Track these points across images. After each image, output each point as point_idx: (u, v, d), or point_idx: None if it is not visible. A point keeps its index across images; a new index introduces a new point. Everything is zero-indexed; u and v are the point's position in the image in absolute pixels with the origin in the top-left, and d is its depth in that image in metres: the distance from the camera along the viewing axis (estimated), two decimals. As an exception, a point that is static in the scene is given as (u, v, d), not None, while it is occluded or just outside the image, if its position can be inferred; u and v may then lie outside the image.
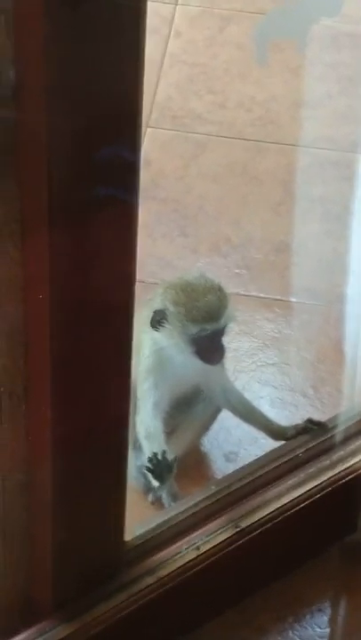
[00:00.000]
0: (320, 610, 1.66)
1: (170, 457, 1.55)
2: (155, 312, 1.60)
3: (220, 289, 1.62)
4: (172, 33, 2.38)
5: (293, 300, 1.99)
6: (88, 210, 1.16)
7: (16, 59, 1.05)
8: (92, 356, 1.27)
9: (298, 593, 1.64)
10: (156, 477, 1.55)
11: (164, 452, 1.55)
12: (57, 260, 1.17)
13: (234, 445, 1.79)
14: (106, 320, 1.25)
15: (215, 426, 1.78)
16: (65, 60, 1.05)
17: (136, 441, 1.63)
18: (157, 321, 1.60)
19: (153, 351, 1.64)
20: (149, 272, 1.93)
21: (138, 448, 1.64)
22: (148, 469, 1.55)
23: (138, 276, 1.79)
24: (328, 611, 1.66)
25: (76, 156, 1.11)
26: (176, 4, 2.43)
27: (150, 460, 1.55)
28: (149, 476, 1.56)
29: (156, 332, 1.61)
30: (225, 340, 1.64)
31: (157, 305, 1.61)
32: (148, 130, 2.22)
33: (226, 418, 1.77)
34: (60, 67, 1.05)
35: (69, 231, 1.16)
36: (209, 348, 1.60)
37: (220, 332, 1.60)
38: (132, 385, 1.64)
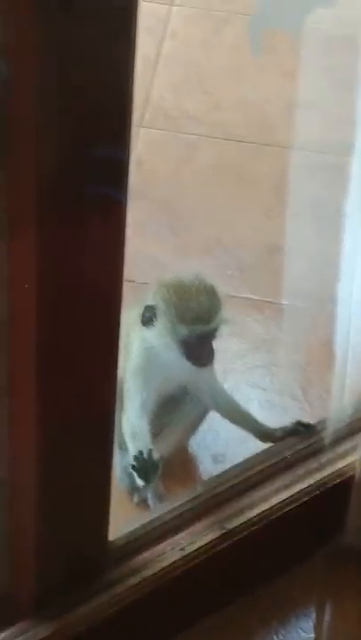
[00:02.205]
0: (306, 614, 1.64)
1: (156, 456, 1.54)
2: (145, 308, 1.59)
3: (213, 291, 1.60)
4: (167, 33, 2.37)
5: (284, 302, 1.98)
6: (77, 207, 1.15)
7: (8, 58, 1.04)
8: (78, 353, 1.26)
9: (284, 596, 1.63)
10: (142, 476, 1.53)
11: (149, 451, 1.53)
12: (44, 256, 1.16)
13: (222, 447, 1.78)
14: (93, 317, 1.24)
15: (203, 427, 1.77)
16: (56, 60, 1.04)
17: (122, 441, 1.62)
18: (148, 318, 1.59)
19: (142, 350, 1.63)
20: (140, 272, 1.91)
21: (124, 448, 1.62)
22: (134, 468, 1.54)
23: (128, 276, 1.78)
24: (314, 615, 1.65)
25: (66, 154, 1.11)
26: (172, 5, 2.42)
27: (136, 458, 1.53)
28: (134, 475, 1.54)
29: (146, 330, 1.60)
30: (215, 342, 1.63)
31: (149, 302, 1.59)
32: (142, 130, 2.21)
33: (214, 419, 1.76)
34: (50, 66, 1.05)
35: (57, 227, 1.15)
36: (198, 349, 1.59)
37: (209, 335, 1.59)
38: (120, 383, 1.64)
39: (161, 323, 1.57)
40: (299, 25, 1.46)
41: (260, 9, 1.37)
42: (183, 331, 1.57)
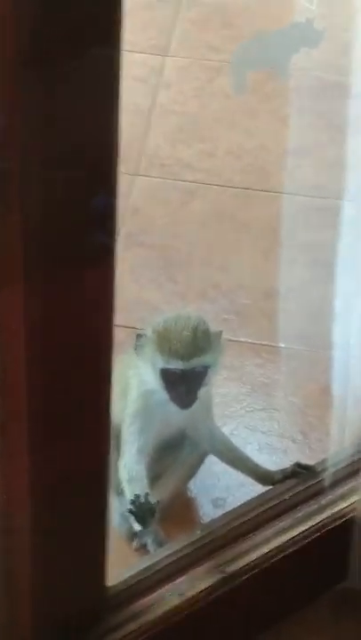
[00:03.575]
0: (310, 660, 1.62)
1: (152, 500, 1.53)
2: (137, 335, 1.58)
3: (204, 332, 1.57)
4: (161, 83, 2.41)
5: (282, 345, 1.98)
6: (65, 260, 1.15)
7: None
8: (70, 402, 1.25)
9: (286, 642, 1.61)
10: (139, 520, 1.52)
11: (146, 495, 1.52)
12: (32, 311, 1.16)
13: (222, 491, 1.76)
14: (84, 366, 1.24)
15: (203, 471, 1.76)
16: (40, 115, 1.05)
17: (119, 486, 1.61)
18: (137, 345, 1.58)
19: (140, 394, 1.63)
20: (137, 318, 1.92)
21: (121, 494, 1.61)
22: (131, 512, 1.52)
23: (126, 322, 1.79)
24: (318, 660, 1.63)
25: (52, 208, 1.11)
26: (165, 56, 2.46)
27: (132, 502, 1.52)
28: (132, 519, 1.53)
29: (137, 359, 1.57)
30: (205, 386, 1.58)
31: (144, 331, 1.58)
32: (138, 178, 2.23)
33: (214, 463, 1.75)
34: (35, 120, 1.06)
35: (45, 282, 1.15)
36: (177, 388, 1.55)
37: (188, 375, 1.55)
38: (117, 429, 1.63)
39: (146, 350, 1.56)
40: (284, 65, 1.47)
41: (241, 47, 1.39)
42: (160, 362, 1.54)
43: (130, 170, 2.22)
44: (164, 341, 1.54)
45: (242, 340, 1.98)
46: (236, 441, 1.76)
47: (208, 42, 2.46)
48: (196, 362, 1.54)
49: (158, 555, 1.51)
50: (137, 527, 1.54)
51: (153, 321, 1.60)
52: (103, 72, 1.07)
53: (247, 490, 1.69)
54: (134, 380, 1.63)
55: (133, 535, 1.63)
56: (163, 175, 2.24)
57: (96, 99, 1.08)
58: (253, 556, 1.52)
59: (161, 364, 1.54)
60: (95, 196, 1.14)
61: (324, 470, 1.63)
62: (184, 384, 1.55)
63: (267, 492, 1.62)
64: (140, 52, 2.43)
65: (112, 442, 1.40)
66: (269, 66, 1.46)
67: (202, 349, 1.55)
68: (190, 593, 1.47)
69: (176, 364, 1.54)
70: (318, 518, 1.58)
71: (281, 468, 1.66)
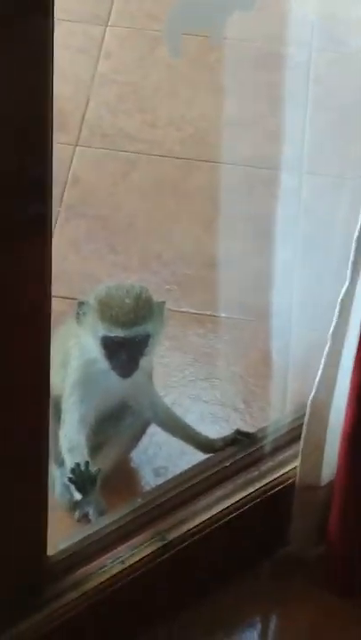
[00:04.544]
0: (251, 625, 1.64)
1: (93, 469, 1.53)
2: (78, 304, 1.58)
3: (146, 301, 1.58)
4: (102, 53, 2.39)
5: (223, 315, 1.99)
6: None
7: None
8: (6, 369, 1.25)
9: (228, 608, 1.62)
10: (79, 489, 1.52)
11: (87, 464, 1.52)
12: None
13: (163, 460, 1.77)
14: (22, 336, 1.23)
15: (145, 441, 1.76)
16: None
17: (60, 456, 1.61)
18: (78, 314, 1.57)
19: (80, 365, 1.62)
20: (79, 289, 1.91)
21: (62, 464, 1.61)
22: (71, 481, 1.52)
23: (68, 293, 1.79)
24: (259, 626, 1.65)
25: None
26: (106, 26, 2.44)
27: (73, 470, 1.52)
28: (72, 488, 1.53)
29: (79, 329, 1.57)
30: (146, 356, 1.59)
31: (86, 299, 1.58)
32: (78, 148, 2.21)
33: (156, 433, 1.76)
34: None
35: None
36: (118, 356, 1.56)
37: (129, 342, 1.55)
38: (58, 399, 1.63)
39: (87, 319, 1.56)
40: (219, 27, 1.47)
41: (175, 8, 1.37)
42: (101, 330, 1.55)
43: (71, 140, 2.20)
44: (106, 309, 1.54)
45: (184, 310, 1.98)
46: (178, 410, 1.76)
47: (148, 11, 2.44)
48: (136, 330, 1.55)
49: (99, 523, 1.52)
50: (78, 496, 1.54)
51: (95, 289, 1.60)
52: (34, 40, 1.06)
53: (189, 458, 1.70)
54: (75, 350, 1.63)
55: (75, 505, 1.63)
56: (104, 145, 2.23)
57: (27, 67, 1.07)
58: (194, 522, 1.53)
59: (102, 331, 1.54)
60: (28, 166, 1.12)
61: (264, 437, 1.64)
62: (125, 352, 1.55)
63: (207, 459, 1.63)
64: (80, 22, 2.40)
65: (52, 412, 1.40)
66: (203, 27, 1.45)
67: (143, 317, 1.56)
68: (131, 561, 1.48)
69: (117, 332, 1.54)
70: (258, 485, 1.59)
71: (222, 436, 1.67)
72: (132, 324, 1.55)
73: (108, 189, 2.16)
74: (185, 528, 1.53)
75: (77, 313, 1.58)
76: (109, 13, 2.45)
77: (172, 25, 1.42)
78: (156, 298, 1.65)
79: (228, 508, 1.56)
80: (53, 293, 1.27)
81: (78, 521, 1.63)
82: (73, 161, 2.19)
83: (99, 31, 2.42)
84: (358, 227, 1.41)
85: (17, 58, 1.06)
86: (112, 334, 1.54)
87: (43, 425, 1.32)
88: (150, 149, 2.22)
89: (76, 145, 2.21)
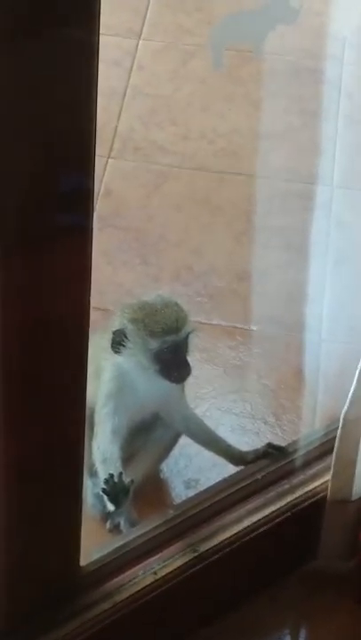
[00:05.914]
0: (280, 638, 1.64)
1: (126, 480, 1.54)
2: (114, 333, 1.59)
3: (176, 304, 1.62)
4: (134, 66, 2.40)
5: (254, 328, 2.00)
6: (41, 238, 1.16)
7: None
8: (45, 381, 1.26)
9: (257, 620, 1.62)
10: (112, 500, 1.53)
11: (120, 475, 1.53)
12: (9, 288, 1.16)
13: (194, 472, 1.78)
14: (59, 345, 1.25)
15: (175, 453, 1.77)
16: (19, 91, 1.06)
17: (93, 467, 1.62)
18: (117, 342, 1.59)
19: (113, 376, 1.63)
20: (110, 300, 1.93)
21: (95, 474, 1.62)
22: (104, 491, 1.53)
23: (99, 304, 1.80)
24: (287, 639, 1.65)
25: (30, 185, 1.12)
26: (139, 39, 2.45)
27: (106, 481, 1.53)
28: (105, 499, 1.54)
29: (118, 356, 1.60)
30: (189, 357, 1.62)
31: (116, 326, 1.60)
32: (110, 161, 2.23)
33: (186, 445, 1.76)
34: (14, 97, 1.06)
35: (22, 259, 1.16)
36: (172, 363, 1.59)
37: (181, 345, 1.59)
38: (90, 410, 1.64)
39: (132, 342, 1.58)
40: (260, 41, 1.49)
41: (221, 22, 1.39)
42: (154, 344, 1.57)
43: (103, 152, 2.22)
44: (153, 324, 1.57)
45: (215, 322, 1.99)
46: (209, 422, 1.77)
47: (181, 25, 2.46)
48: (186, 330, 1.59)
49: (131, 534, 1.53)
50: (110, 507, 1.55)
51: (122, 314, 1.61)
52: (81, 55, 1.07)
53: (220, 470, 1.71)
54: (107, 363, 1.64)
55: (107, 515, 1.64)
56: (136, 158, 2.24)
57: (74, 82, 1.08)
58: (225, 535, 1.54)
59: (155, 346, 1.57)
60: (72, 177, 1.14)
61: (295, 451, 1.65)
62: (180, 356, 1.59)
63: (239, 472, 1.63)
64: (114, 35, 2.42)
65: (85, 422, 1.41)
66: (247, 41, 1.47)
67: (184, 318, 1.61)
68: (163, 572, 1.48)
69: (172, 339, 1.57)
70: (289, 498, 1.60)
71: (253, 448, 1.67)
72: (181, 326, 1.59)
73: (141, 201, 2.17)
74: (216, 540, 1.53)
75: (114, 343, 1.59)
76: (142, 27, 2.47)
77: (216, 38, 1.44)
78: (188, 310, 1.67)
79: (259, 520, 1.57)
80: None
81: (110, 531, 1.64)
82: (105, 173, 2.20)
83: (132, 44, 2.43)
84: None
85: (63, 71, 1.07)
86: (168, 343, 1.57)
87: (80, 432, 1.33)
88: (182, 162, 2.24)
89: (109, 157, 2.23)
